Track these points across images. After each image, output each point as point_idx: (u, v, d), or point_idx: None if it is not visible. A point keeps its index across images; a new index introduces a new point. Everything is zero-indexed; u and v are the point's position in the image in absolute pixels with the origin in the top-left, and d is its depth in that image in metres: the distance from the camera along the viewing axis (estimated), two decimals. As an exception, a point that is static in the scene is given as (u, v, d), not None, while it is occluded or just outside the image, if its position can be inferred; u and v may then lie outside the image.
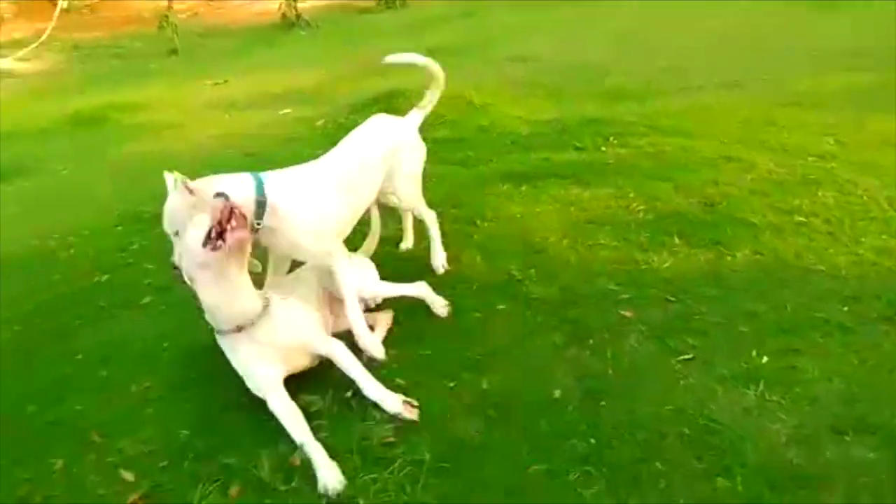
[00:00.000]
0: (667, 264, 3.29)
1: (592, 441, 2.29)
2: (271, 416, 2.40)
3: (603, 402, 2.45)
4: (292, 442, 2.31)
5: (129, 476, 2.33)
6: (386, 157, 3.11)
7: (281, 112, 6.99)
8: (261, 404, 2.44)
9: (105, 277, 3.73)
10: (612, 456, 2.22)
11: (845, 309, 2.86)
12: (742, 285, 3.09)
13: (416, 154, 3.28)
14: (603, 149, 4.86)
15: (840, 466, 2.12)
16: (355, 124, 5.77)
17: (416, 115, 3.37)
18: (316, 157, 3.04)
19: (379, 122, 3.28)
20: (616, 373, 2.60)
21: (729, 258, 3.31)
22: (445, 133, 5.54)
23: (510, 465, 2.23)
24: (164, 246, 2.77)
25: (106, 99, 8.33)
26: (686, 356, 2.65)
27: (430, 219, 3.38)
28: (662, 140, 4.88)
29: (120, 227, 4.43)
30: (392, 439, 2.33)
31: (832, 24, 8.37)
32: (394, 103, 6.12)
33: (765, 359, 2.60)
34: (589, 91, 6.41)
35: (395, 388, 2.50)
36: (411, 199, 3.29)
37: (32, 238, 4.40)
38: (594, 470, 2.17)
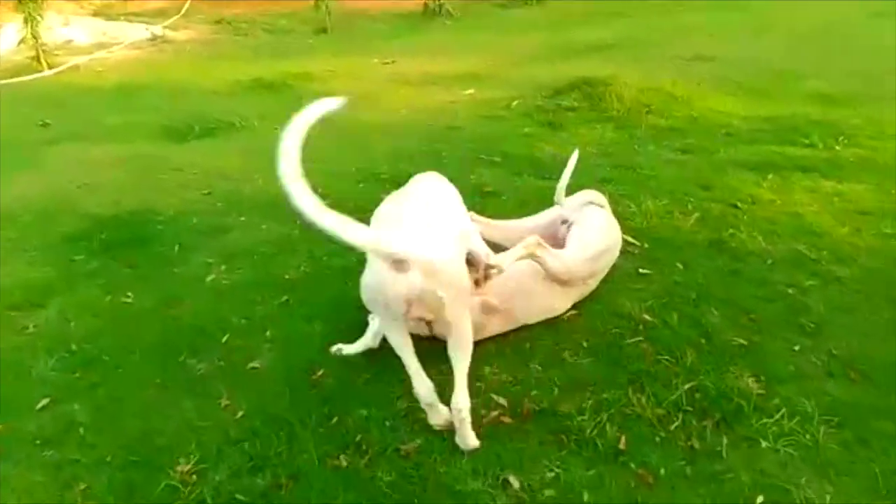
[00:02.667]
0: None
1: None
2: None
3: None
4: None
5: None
6: None
7: (465, 92, 7.13)
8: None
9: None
10: None
11: None
12: None
13: None
14: (836, 147, 4.80)
15: None
16: (555, 107, 6.08)
17: None
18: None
19: None
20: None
21: None
22: (658, 120, 5.59)
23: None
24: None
25: (281, 68, 8.64)
26: None
27: None
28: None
29: (362, 185, 4.62)
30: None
31: None
32: (591, 90, 6.24)
33: None
34: (791, 92, 6.32)
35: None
36: None
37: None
38: None
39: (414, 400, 2.40)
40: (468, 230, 2.64)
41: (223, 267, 3.56)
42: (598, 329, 2.83)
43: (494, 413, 2.41)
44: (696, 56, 7.88)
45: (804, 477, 2.05)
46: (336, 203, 2.16)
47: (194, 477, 2.23)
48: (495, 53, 9.15)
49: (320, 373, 2.70)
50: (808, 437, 2.21)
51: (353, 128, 5.95)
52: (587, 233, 3.07)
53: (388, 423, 2.39)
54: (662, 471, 2.12)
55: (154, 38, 11.69)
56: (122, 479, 2.26)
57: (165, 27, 12.54)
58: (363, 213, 2.26)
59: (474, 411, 2.40)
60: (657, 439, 2.25)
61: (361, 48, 10.23)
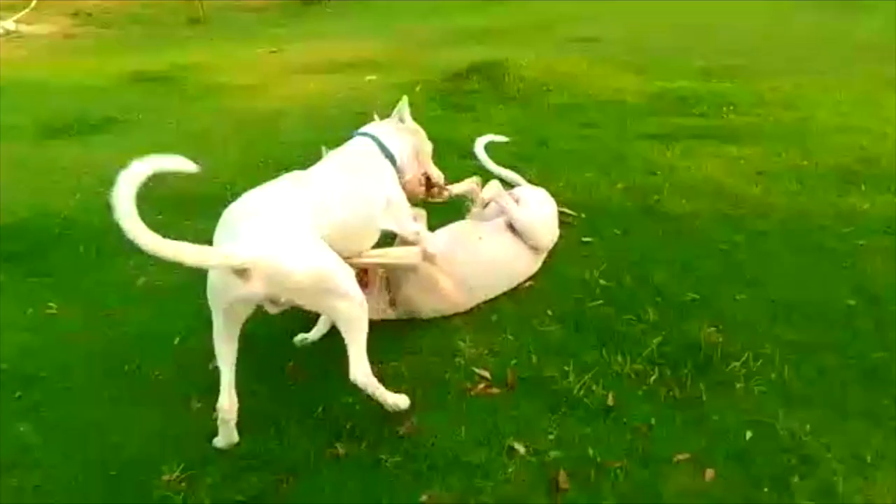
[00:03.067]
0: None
1: None
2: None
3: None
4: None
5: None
6: None
7: (366, 79, 7.05)
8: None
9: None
10: None
11: None
12: None
13: None
14: (727, 116, 5.20)
15: None
16: (458, 90, 6.15)
17: None
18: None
19: None
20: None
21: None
22: (559, 98, 5.79)
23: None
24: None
25: (161, 60, 8.18)
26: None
27: None
28: (779, 112, 5.26)
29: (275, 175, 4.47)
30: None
31: (858, 23, 9.00)
32: (490, 73, 6.37)
33: None
34: (674, 69, 6.74)
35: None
36: None
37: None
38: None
39: (398, 381, 2.39)
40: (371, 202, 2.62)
41: (152, 269, 3.33)
42: (558, 296, 2.92)
43: (481, 385, 2.43)
44: (580, 38, 8.24)
45: (780, 410, 2.22)
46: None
47: (183, 484, 2.09)
48: (385, 40, 9.12)
49: (290, 364, 2.61)
50: (773, 375, 2.39)
51: (255, 119, 5.76)
52: (533, 201, 3.17)
53: (375, 407, 2.35)
54: (653, 420, 2.23)
55: (7, 34, 10.67)
56: (102, 496, 2.08)
57: (17, 21, 11.49)
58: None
59: (458, 384, 2.44)
60: (640, 393, 2.35)
61: (242, 38, 9.87)
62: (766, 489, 1.97)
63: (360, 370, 2.21)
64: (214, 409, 2.22)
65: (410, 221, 2.76)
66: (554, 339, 2.66)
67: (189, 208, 3.82)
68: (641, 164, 4.27)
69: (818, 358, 2.47)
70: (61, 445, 2.31)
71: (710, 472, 2.02)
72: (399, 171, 2.83)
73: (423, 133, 3.00)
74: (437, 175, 3.05)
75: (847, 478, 1.98)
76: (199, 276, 3.17)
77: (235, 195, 2.37)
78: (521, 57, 6.76)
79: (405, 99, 2.98)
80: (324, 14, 11.88)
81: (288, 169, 2.87)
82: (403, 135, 2.91)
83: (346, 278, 2.25)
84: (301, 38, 9.63)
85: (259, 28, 10.81)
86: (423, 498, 2.00)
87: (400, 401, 2.28)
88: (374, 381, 2.23)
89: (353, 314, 2.24)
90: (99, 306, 3.07)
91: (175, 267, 3.34)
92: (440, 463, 2.11)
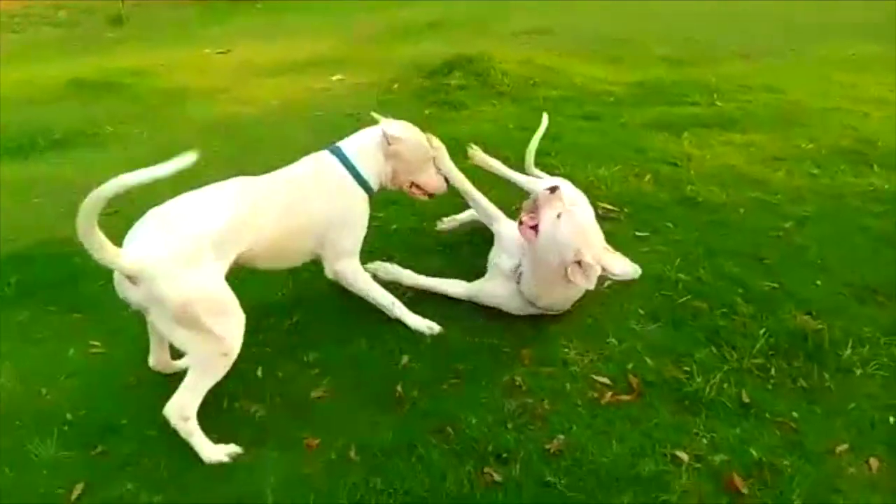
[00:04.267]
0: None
1: None
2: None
3: None
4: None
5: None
6: None
7: (334, 78, 6.81)
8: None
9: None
10: None
11: None
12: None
13: None
14: (717, 104, 5.33)
15: None
16: (442, 86, 6.02)
17: None
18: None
19: None
20: None
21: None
22: (548, 92, 5.77)
23: None
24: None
25: (97, 65, 7.62)
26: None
27: None
28: (765, 96, 5.44)
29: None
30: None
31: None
32: (473, 67, 6.28)
33: None
34: (642, 57, 6.86)
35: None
36: None
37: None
38: None
39: (518, 394, 2.36)
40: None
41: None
42: (643, 294, 2.89)
43: (609, 394, 2.38)
44: (532, 30, 8.25)
45: (911, 393, 2.29)
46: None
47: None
48: (336, 37, 8.83)
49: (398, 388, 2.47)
50: (885, 358, 2.46)
51: (230, 125, 5.45)
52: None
53: (510, 427, 2.26)
54: (795, 413, 2.25)
55: None
56: None
57: None
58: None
59: (582, 394, 2.38)
60: (769, 387, 2.37)
61: (177, 38, 9.34)
62: (932, 472, 2.01)
63: (179, 408, 2.18)
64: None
65: (347, 254, 2.70)
66: (658, 339, 2.64)
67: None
68: (660, 155, 4.31)
69: (921, 337, 2.56)
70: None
71: (874, 462, 2.05)
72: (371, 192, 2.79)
73: (422, 149, 2.87)
74: (435, 186, 2.93)
75: None
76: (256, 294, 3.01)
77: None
78: (494, 51, 6.70)
79: (388, 122, 2.85)
80: (254, 11, 11.38)
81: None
82: (385, 157, 2.78)
83: (219, 319, 2.19)
84: (242, 37, 9.17)
85: (190, 28, 10.23)
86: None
87: (206, 451, 2.20)
88: (193, 426, 2.19)
89: (209, 358, 2.21)
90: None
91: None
92: (605, 479, 2.05)
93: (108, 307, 3.01)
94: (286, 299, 3.03)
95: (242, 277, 2.56)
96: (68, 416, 2.42)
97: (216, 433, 2.24)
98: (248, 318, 2.32)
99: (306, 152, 2.88)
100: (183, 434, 2.19)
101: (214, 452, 2.19)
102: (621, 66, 6.59)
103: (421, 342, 2.67)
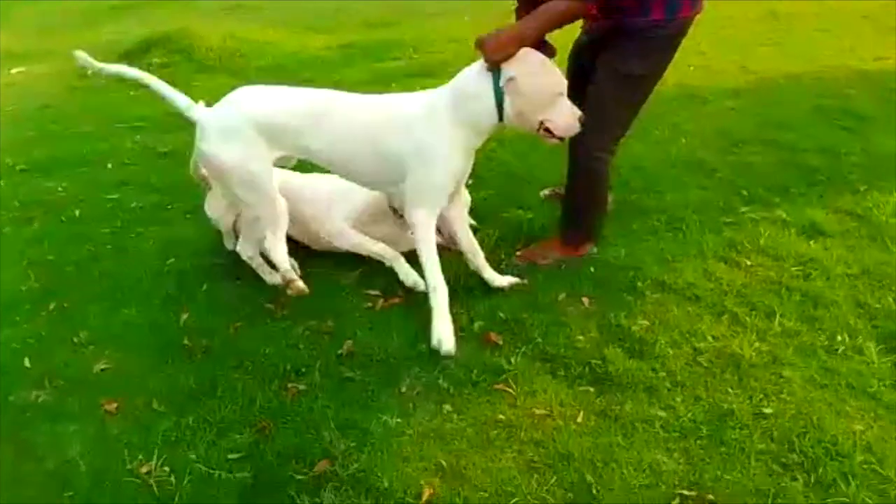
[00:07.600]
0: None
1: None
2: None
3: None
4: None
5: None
6: None
7: (13, 72, 6.16)
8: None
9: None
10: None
11: None
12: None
13: None
14: (414, 56, 5.91)
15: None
16: (139, 66, 5.79)
17: None
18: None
19: None
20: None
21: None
22: (258, 62, 5.89)
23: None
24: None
25: None
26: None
27: None
28: (454, 46, 6.13)
29: None
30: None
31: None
32: (174, 45, 6.15)
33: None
34: (343, 24, 7.25)
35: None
36: None
37: None
38: None
39: (308, 320, 2.57)
40: None
41: None
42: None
43: (380, 301, 2.70)
44: (237, 6, 8.22)
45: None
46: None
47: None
48: (4, 31, 7.88)
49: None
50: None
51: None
52: None
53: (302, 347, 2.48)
54: (526, 280, 2.77)
55: None
56: None
57: None
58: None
59: (358, 307, 2.67)
60: (503, 266, 2.88)
61: None
62: None
63: (243, 249, 2.80)
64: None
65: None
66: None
67: None
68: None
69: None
70: None
71: (585, 300, 2.64)
72: None
73: None
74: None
75: None
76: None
77: None
78: (192, 26, 6.58)
79: None
80: None
81: None
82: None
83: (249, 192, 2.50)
84: None
85: None
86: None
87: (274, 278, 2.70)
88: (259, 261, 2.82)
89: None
90: None
91: None
92: (395, 364, 2.38)
93: None
94: (37, 290, 2.90)
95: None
96: None
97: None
98: None
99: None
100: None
101: (274, 276, 2.74)
102: (329, 35, 6.92)
103: (193, 299, 2.76)
